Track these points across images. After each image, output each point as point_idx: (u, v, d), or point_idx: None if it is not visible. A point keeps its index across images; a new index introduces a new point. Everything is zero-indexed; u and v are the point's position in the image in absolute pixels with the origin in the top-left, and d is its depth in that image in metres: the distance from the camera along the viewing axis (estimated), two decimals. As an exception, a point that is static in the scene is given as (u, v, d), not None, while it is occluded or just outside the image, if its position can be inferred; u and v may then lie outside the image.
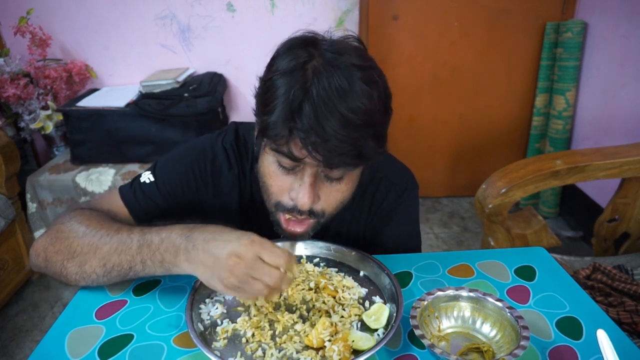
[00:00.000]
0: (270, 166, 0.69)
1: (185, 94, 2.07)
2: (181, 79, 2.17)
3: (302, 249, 0.83)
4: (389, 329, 0.62)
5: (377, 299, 0.73)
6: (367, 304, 0.72)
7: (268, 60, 0.69)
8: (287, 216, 0.73)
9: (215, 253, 0.60)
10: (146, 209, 0.80)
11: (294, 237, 0.79)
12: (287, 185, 0.69)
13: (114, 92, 2.26)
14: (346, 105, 0.59)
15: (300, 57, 0.62)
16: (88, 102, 2.11)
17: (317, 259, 0.82)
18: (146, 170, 0.83)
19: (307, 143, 0.59)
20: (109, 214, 0.78)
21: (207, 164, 0.83)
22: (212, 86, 2.17)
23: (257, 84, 0.68)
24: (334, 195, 0.70)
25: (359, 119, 0.59)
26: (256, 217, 0.86)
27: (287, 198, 0.70)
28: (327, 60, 0.61)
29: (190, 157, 0.83)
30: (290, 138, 0.61)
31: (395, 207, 0.89)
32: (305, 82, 0.60)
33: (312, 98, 0.59)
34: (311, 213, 0.71)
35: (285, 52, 0.64)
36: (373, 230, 0.92)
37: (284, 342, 0.63)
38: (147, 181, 0.81)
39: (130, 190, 0.81)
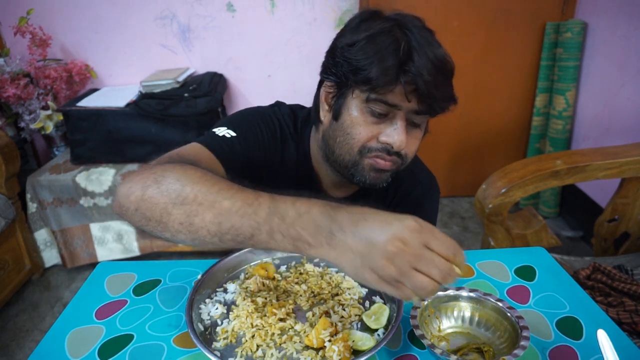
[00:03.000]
0: (359, 116, 0.75)
1: (185, 94, 2.07)
2: (181, 79, 2.17)
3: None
4: (389, 329, 0.62)
5: (377, 299, 0.73)
6: (367, 304, 0.72)
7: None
8: (374, 159, 0.76)
9: (371, 237, 0.50)
10: (233, 163, 0.77)
11: (378, 180, 0.79)
12: (376, 131, 0.75)
13: (114, 92, 2.26)
14: (434, 54, 0.68)
15: (384, 25, 0.71)
16: (88, 102, 2.11)
17: (317, 259, 0.82)
18: (218, 127, 0.81)
19: (420, 85, 0.67)
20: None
21: (277, 129, 0.87)
22: (212, 86, 2.17)
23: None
24: (414, 141, 0.78)
25: (447, 67, 0.70)
26: (300, 195, 0.88)
27: (374, 142, 0.75)
28: (405, 22, 0.71)
29: (262, 120, 0.86)
30: (401, 84, 0.68)
31: (419, 203, 0.94)
32: (400, 39, 0.69)
33: (416, 49, 0.68)
34: (399, 155, 0.76)
35: (361, 23, 0.73)
36: None
37: (284, 342, 0.63)
38: (228, 135, 0.80)
39: (216, 144, 0.77)
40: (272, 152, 0.86)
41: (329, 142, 0.80)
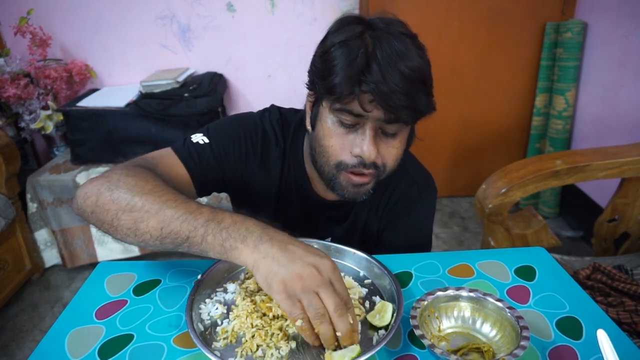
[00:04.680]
0: (330, 127, 0.74)
1: (185, 94, 2.07)
2: (181, 79, 2.17)
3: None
4: (389, 330, 0.62)
5: (377, 299, 0.72)
6: (367, 304, 0.72)
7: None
8: (351, 174, 0.76)
9: (294, 256, 0.57)
10: (200, 168, 0.81)
11: (358, 195, 0.79)
12: (347, 143, 0.74)
13: (114, 92, 2.26)
14: (405, 64, 0.66)
15: (355, 29, 0.69)
16: (88, 102, 2.11)
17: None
18: (196, 133, 0.85)
19: (377, 95, 0.66)
20: (164, 175, 0.76)
21: (258, 135, 0.87)
22: (212, 86, 2.17)
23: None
24: (391, 151, 0.76)
25: (415, 76, 0.67)
26: (289, 198, 0.91)
27: (348, 156, 0.74)
28: (381, 29, 0.69)
29: (242, 126, 0.87)
30: (357, 94, 0.67)
31: (414, 203, 0.92)
32: (368, 46, 0.67)
33: (378, 58, 0.66)
34: (375, 166, 0.75)
35: (338, 29, 0.71)
36: (389, 223, 0.94)
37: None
38: (201, 142, 0.83)
39: (184, 149, 0.82)
40: (249, 158, 0.86)
41: (312, 151, 0.82)
